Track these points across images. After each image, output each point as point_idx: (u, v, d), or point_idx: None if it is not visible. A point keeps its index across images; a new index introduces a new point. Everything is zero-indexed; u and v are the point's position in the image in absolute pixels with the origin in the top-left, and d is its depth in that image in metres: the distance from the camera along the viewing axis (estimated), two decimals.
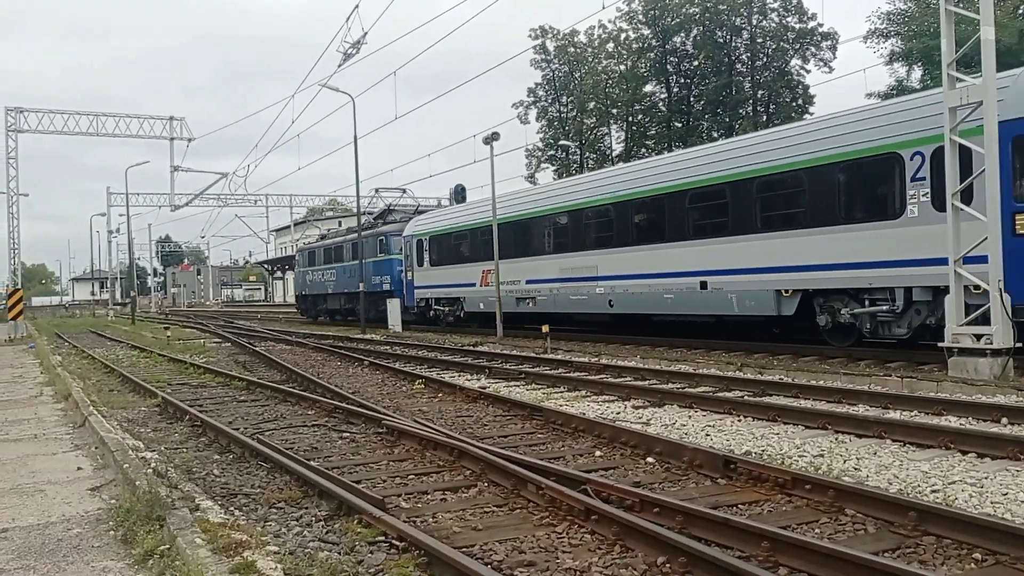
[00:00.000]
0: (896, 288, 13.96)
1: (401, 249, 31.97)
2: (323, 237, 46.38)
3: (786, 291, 15.81)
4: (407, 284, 31.28)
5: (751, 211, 16.55)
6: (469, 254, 27.27)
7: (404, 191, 38.31)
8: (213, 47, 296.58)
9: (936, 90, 13.74)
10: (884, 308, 14.27)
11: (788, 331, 17.28)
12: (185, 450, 9.21)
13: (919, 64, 43.28)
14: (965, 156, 12.38)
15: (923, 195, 13.41)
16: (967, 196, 12.42)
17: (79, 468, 8.17)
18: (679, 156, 21.10)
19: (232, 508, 6.50)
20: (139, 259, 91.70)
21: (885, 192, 14.20)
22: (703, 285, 17.58)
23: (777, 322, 16.90)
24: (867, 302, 14.57)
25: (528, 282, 23.62)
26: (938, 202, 13.03)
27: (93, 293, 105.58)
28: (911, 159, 13.54)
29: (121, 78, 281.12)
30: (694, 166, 18.33)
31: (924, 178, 13.39)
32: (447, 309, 29.03)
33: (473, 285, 26.77)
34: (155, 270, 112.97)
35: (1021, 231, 12.06)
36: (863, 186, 14.64)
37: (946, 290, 12.68)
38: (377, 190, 38.74)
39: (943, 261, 12.57)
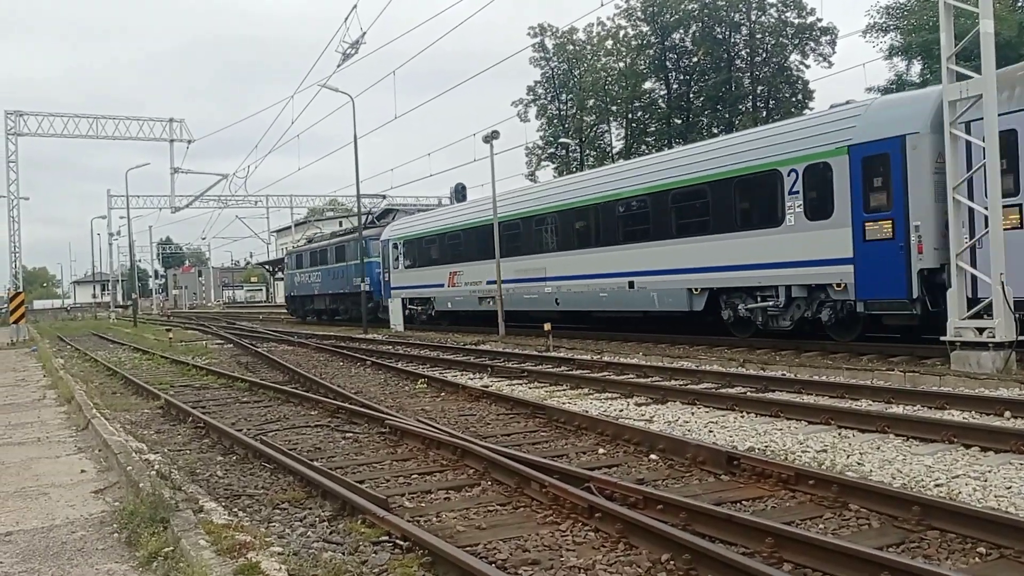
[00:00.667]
0: (779, 286, 16.07)
1: (379, 252, 33.43)
2: (310, 241, 47.89)
3: (696, 289, 18.01)
4: (384, 285, 32.92)
5: (668, 219, 18.79)
6: (438, 257, 29.12)
7: (384, 197, 38.69)
8: (213, 48, 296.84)
9: (810, 114, 15.68)
10: (771, 304, 16.35)
11: (698, 325, 19.19)
12: (188, 452, 9.21)
13: (918, 58, 43.27)
14: (838, 170, 14.66)
15: (798, 207, 15.55)
16: (826, 210, 14.85)
17: (83, 471, 8.18)
18: (610, 170, 23.79)
19: (236, 509, 6.50)
20: (140, 261, 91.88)
21: (769, 204, 16.18)
22: (631, 284, 19.78)
23: (691, 316, 18.85)
24: (759, 298, 16.69)
25: (489, 282, 25.23)
26: (810, 212, 15.32)
27: (95, 296, 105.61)
28: (788, 175, 15.69)
29: (122, 80, 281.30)
30: (623, 179, 20.61)
31: (798, 192, 15.52)
32: (419, 308, 30.68)
33: (442, 286, 28.59)
34: (156, 272, 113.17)
35: (870, 237, 14.25)
36: (753, 198, 16.78)
37: (818, 288, 15.29)
38: (359, 197, 39.44)
39: (815, 263, 15.17)
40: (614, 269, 20.23)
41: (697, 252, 17.85)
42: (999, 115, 12.00)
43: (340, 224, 56.06)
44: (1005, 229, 12.02)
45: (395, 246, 32.02)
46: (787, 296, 15.99)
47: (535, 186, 25.32)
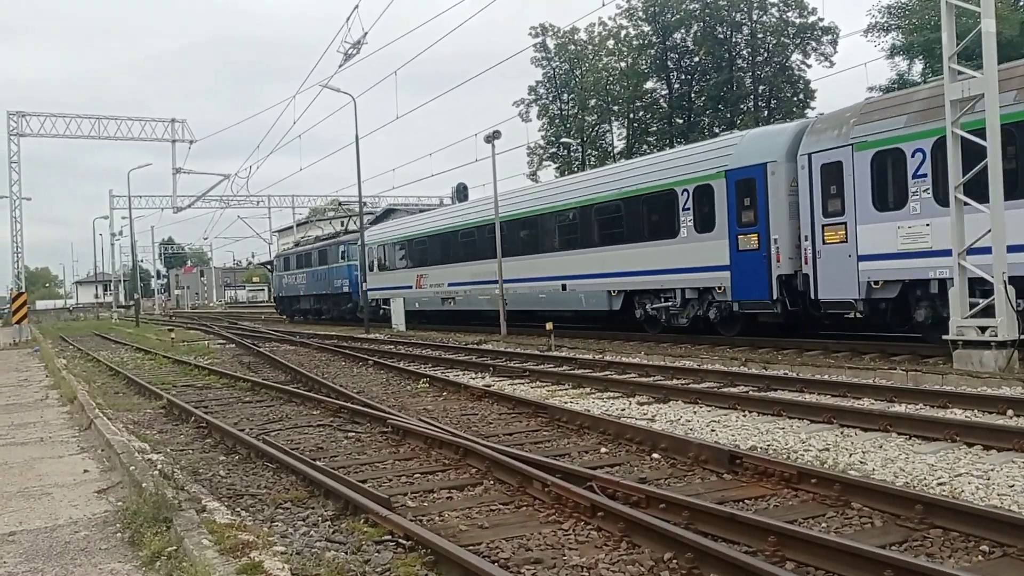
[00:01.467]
0: (676, 289, 18.79)
1: (357, 256, 35.36)
2: (297, 244, 50.37)
3: (615, 291, 20.73)
4: (358, 286, 35.14)
5: (592, 230, 21.67)
6: (407, 261, 32.14)
7: (366, 203, 41.05)
8: (214, 48, 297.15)
9: (700, 143, 19.54)
10: (671, 304, 19.07)
11: (616, 323, 21.94)
12: (191, 451, 9.23)
13: (920, 57, 43.21)
14: (718, 191, 17.62)
15: (689, 221, 18.26)
16: (710, 224, 17.60)
17: (85, 471, 8.19)
18: (548, 186, 27.20)
19: (239, 509, 6.51)
20: (142, 261, 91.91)
21: (668, 218, 18.92)
22: (564, 287, 22.62)
23: (611, 315, 21.55)
24: (662, 299, 19.36)
25: (450, 285, 28.24)
26: (698, 226, 17.98)
27: (97, 296, 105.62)
28: (682, 194, 18.47)
29: (124, 81, 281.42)
30: (558, 194, 23.67)
31: (690, 208, 18.24)
32: (389, 307, 32.72)
33: (410, 287, 31.45)
34: (158, 272, 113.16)
35: (742, 248, 16.81)
36: (656, 213, 19.40)
37: (706, 291, 17.81)
38: (340, 203, 41.38)
39: (702, 269, 17.82)
40: (551, 273, 23.10)
41: (615, 259, 20.56)
42: (828, 149, 15.11)
43: (342, 224, 57.46)
44: (832, 243, 15.05)
45: (371, 251, 34.38)
46: (683, 297, 18.70)
47: (488, 198, 26.77)
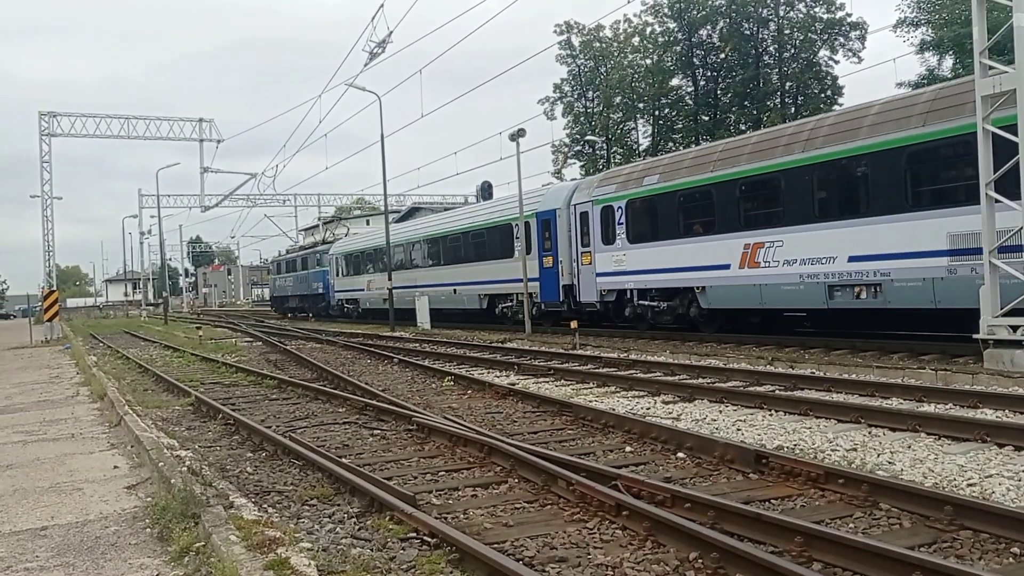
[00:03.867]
0: (513, 293, 26.57)
1: (329, 263, 44.12)
2: (288, 252, 57.78)
3: (483, 295, 28.56)
4: (331, 288, 43.85)
5: (471, 250, 29.51)
6: (362, 269, 39.54)
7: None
8: (245, 49, 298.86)
9: (527, 191, 26.12)
10: (511, 304, 26.95)
11: (486, 318, 28.87)
12: (219, 448, 9.31)
13: (950, 53, 42.66)
14: (534, 226, 25.62)
15: (518, 247, 25.60)
16: (530, 249, 25.34)
17: (115, 467, 8.29)
18: (446, 216, 34.46)
19: (265, 505, 6.57)
20: (171, 260, 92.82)
21: (508, 243, 26.74)
22: (455, 291, 30.41)
23: (483, 313, 28.82)
24: (507, 300, 27.20)
25: (398, 287, 33.69)
26: (532, 248, 25.11)
27: (126, 294, 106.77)
28: (515, 227, 25.92)
29: (156, 82, 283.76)
30: (449, 222, 32.27)
31: (520, 237, 25.53)
32: (351, 306, 41.35)
33: (363, 290, 39.21)
34: (186, 271, 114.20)
35: (545, 266, 24.53)
36: (502, 239, 27.13)
37: (529, 295, 24.72)
38: (336, 216, 44.12)
39: (530, 280, 24.87)
40: (447, 281, 30.82)
41: (482, 271, 28.47)
42: (583, 203, 22.96)
43: (367, 223, 58.95)
44: (584, 265, 22.76)
45: (336, 259, 43.01)
46: (517, 300, 26.12)
47: (418, 220, 38.17)
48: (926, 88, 16.38)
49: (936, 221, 13.61)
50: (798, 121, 21.37)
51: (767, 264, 16.84)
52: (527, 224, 25.07)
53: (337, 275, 42.49)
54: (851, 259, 15.11)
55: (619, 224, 21.13)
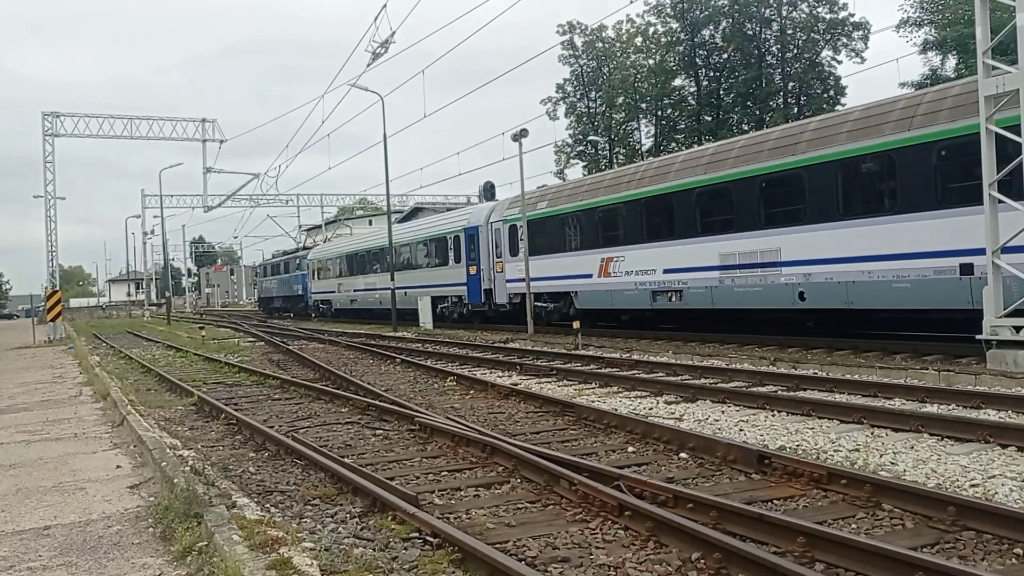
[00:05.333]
0: (450, 295, 30.83)
1: (307, 267, 48.98)
2: (274, 256, 62.50)
3: (407, 292, 32.81)
4: (308, 290, 48.80)
5: (413, 257, 34.52)
6: (334, 273, 44.26)
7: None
8: (251, 49, 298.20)
9: (460, 210, 33.92)
10: (450, 304, 31.08)
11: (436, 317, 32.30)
12: (221, 448, 9.32)
13: (953, 53, 42.61)
14: (463, 239, 30.25)
15: (452, 256, 30.44)
16: (459, 259, 30.24)
17: (118, 466, 8.30)
18: (397, 227, 36.97)
19: (268, 505, 6.57)
20: (173, 260, 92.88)
21: (445, 253, 31.10)
22: (405, 293, 33.20)
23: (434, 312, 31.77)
24: (445, 302, 31.33)
25: (355, 290, 40.66)
26: (456, 259, 30.01)
27: (129, 294, 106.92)
28: (451, 239, 30.58)
29: (164, 82, 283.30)
30: (403, 234, 35.63)
31: (453, 248, 30.32)
32: (325, 307, 45.87)
33: (334, 292, 44.21)
34: (189, 271, 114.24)
35: (471, 272, 29.05)
36: (441, 250, 31.52)
37: (461, 297, 29.88)
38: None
39: (457, 284, 30.03)
40: (401, 284, 33.10)
41: (424, 276, 33.04)
42: (496, 221, 28.04)
43: (370, 223, 59.91)
44: (499, 272, 27.47)
45: (310, 264, 48.01)
46: (452, 300, 30.88)
47: (356, 235, 46.50)
48: (706, 146, 22.97)
49: (712, 244, 18.31)
50: (636, 164, 27.65)
51: (615, 274, 21.65)
52: (457, 237, 30.01)
53: (313, 278, 47.43)
54: (665, 271, 19.86)
55: (521, 240, 25.38)
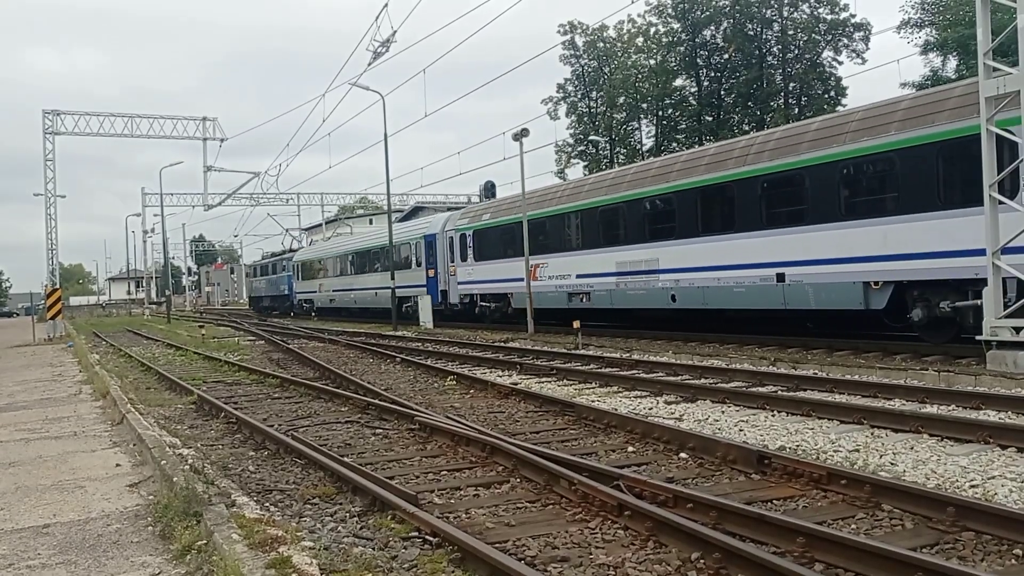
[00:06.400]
0: (413, 295, 32.75)
1: (291, 269, 52.64)
2: (263, 258, 65.45)
3: (377, 293, 36.34)
4: (293, 290, 52.28)
5: (365, 263, 39.51)
6: (315, 274, 47.63)
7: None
8: (258, 46, 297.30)
9: (424, 218, 39.11)
10: (411, 304, 32.82)
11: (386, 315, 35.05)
12: (221, 447, 9.32)
13: (954, 54, 42.59)
14: (423, 245, 33.58)
15: (416, 260, 33.54)
16: (421, 263, 33.93)
17: (117, 465, 8.30)
18: (367, 233, 44.32)
19: (267, 504, 6.57)
20: (174, 258, 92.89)
21: (409, 258, 34.12)
22: (376, 293, 37.00)
23: (386, 312, 33.82)
24: (410, 301, 33.02)
25: (334, 290, 44.15)
26: (418, 264, 33.25)
27: (129, 292, 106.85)
28: (413, 246, 33.82)
29: (168, 80, 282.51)
30: (368, 240, 40.60)
31: (416, 254, 33.39)
32: (308, 305, 49.15)
33: (316, 292, 47.53)
34: (189, 269, 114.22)
35: (429, 275, 32.30)
36: (405, 255, 34.37)
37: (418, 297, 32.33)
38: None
39: (418, 286, 32.78)
40: (370, 285, 37.99)
41: (374, 279, 37.11)
42: (450, 230, 31.31)
43: (371, 222, 60.52)
44: (452, 275, 30.58)
45: (295, 266, 51.73)
46: (415, 301, 32.54)
47: (351, 238, 47.73)
48: (608, 172, 27.99)
49: (611, 254, 21.71)
50: (559, 184, 33.19)
51: (541, 279, 25.08)
52: (418, 244, 33.47)
53: (298, 279, 51.22)
54: (578, 276, 23.33)
55: (469, 247, 29.49)
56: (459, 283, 30.05)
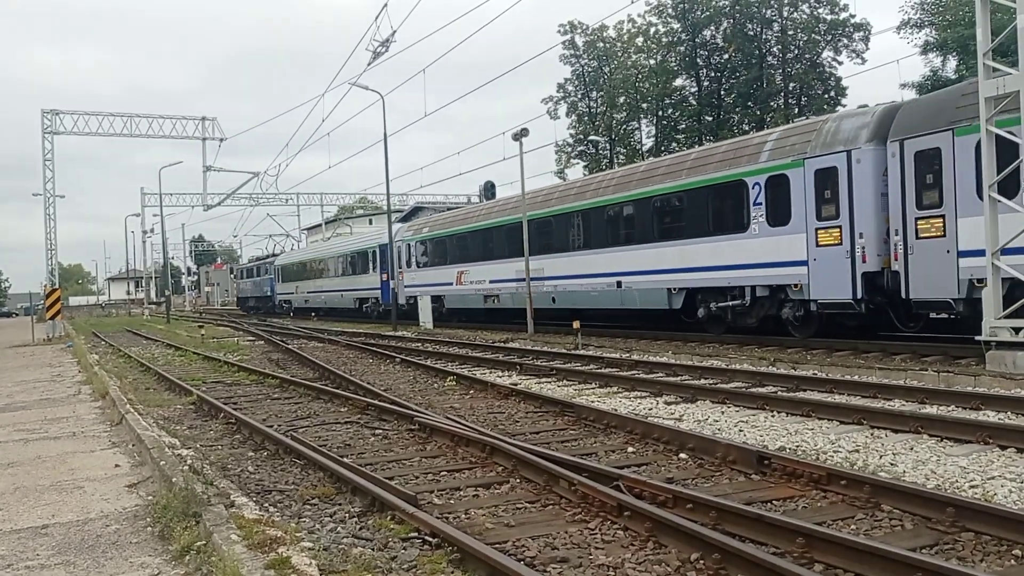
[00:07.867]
0: (371, 296, 37.67)
1: (273, 272, 56.46)
2: (250, 261, 69.92)
3: (355, 298, 40.28)
4: (275, 292, 56.01)
5: (348, 267, 41.57)
6: (292, 277, 51.83)
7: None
8: (254, 46, 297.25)
9: (397, 226, 38.32)
10: (371, 303, 37.72)
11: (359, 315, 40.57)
12: (220, 447, 9.31)
13: (954, 54, 42.57)
14: (404, 248, 36.53)
15: (372, 266, 37.79)
16: (398, 266, 36.32)
17: (117, 465, 8.29)
18: (336, 240, 49.45)
19: (267, 504, 6.56)
20: (173, 258, 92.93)
21: (368, 264, 38.15)
22: (341, 295, 41.96)
23: (355, 312, 40.55)
24: (368, 302, 38.23)
25: (309, 292, 48.28)
26: (377, 267, 37.29)
27: (128, 293, 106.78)
28: (371, 253, 37.95)
29: (167, 79, 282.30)
30: (344, 246, 43.95)
31: (373, 260, 37.80)
32: (287, 306, 53.07)
33: (292, 293, 51.63)
34: (189, 269, 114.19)
35: (384, 278, 36.29)
36: (363, 261, 38.96)
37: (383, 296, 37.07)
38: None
39: (376, 288, 37.62)
40: (337, 288, 42.98)
41: (352, 281, 40.45)
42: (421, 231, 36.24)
43: (370, 222, 61.10)
44: (400, 279, 35.22)
45: (277, 268, 55.53)
46: (372, 300, 37.67)
47: (322, 244, 53.17)
48: (513, 195, 30.04)
49: (513, 264, 26.19)
50: (479, 204, 37.99)
51: (465, 284, 29.90)
52: (375, 251, 37.35)
53: (278, 281, 55.38)
54: (491, 281, 28.16)
55: (412, 255, 34.27)
56: (405, 286, 34.53)
